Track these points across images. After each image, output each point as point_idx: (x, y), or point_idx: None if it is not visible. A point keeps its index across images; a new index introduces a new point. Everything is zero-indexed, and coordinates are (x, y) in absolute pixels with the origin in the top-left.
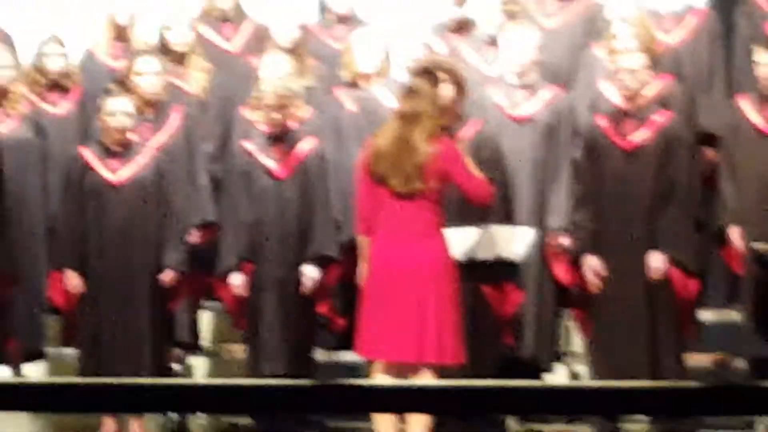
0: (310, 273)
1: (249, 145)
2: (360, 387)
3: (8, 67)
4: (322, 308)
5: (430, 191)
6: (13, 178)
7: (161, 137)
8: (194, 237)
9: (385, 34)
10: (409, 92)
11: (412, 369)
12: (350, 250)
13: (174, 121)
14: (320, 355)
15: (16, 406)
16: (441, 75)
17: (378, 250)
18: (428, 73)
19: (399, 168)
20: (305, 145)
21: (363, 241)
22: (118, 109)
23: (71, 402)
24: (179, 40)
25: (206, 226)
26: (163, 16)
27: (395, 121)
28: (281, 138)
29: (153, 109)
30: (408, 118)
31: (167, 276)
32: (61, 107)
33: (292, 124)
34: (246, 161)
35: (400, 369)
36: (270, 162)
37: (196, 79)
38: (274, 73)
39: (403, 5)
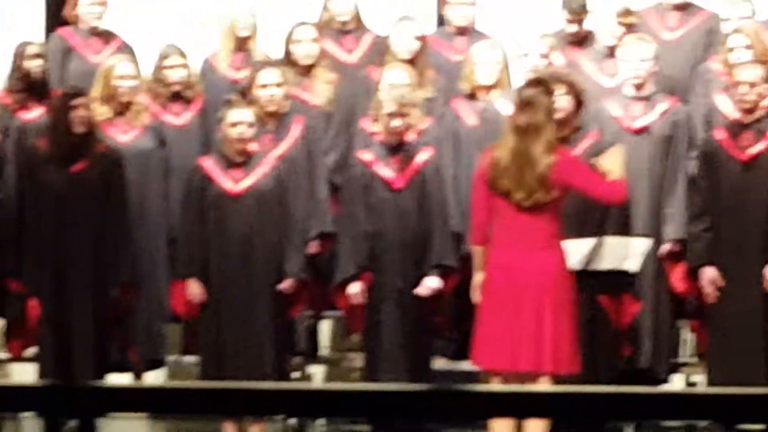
0: (430, 283)
1: (367, 156)
2: (477, 392)
3: (131, 78)
4: (439, 318)
5: (551, 202)
6: (136, 188)
7: (282, 148)
8: (313, 247)
9: (505, 46)
10: (524, 104)
11: (529, 379)
12: (465, 261)
13: (295, 131)
14: (438, 364)
15: (138, 409)
16: (559, 87)
17: (496, 260)
18: (542, 83)
19: (521, 181)
20: (423, 156)
21: (477, 251)
22: (239, 120)
23: (191, 405)
24: (305, 53)
25: (325, 237)
26: (288, 29)
27: (511, 134)
28: (400, 149)
29: (274, 120)
30: (524, 131)
31: (287, 285)
32: (182, 118)
33: (410, 136)
34: (364, 172)
35: (516, 379)
36: (388, 172)
37: (320, 91)
38: (394, 84)
39: (523, 18)
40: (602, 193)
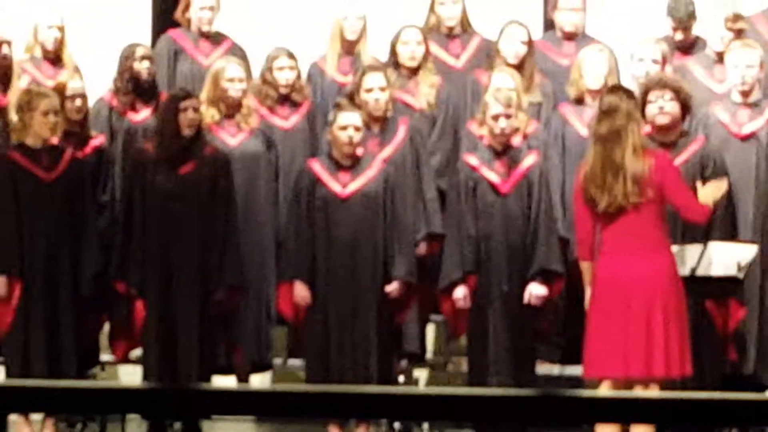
0: (536, 290)
1: (473, 160)
2: (583, 397)
3: (240, 81)
4: (545, 322)
5: (649, 205)
6: (243, 190)
7: (388, 151)
8: (421, 249)
9: (613, 51)
10: (604, 113)
11: (641, 383)
12: (571, 265)
13: (400, 134)
14: (542, 368)
15: (243, 412)
16: (666, 92)
17: (604, 268)
18: (620, 89)
19: (606, 188)
20: (529, 160)
21: (585, 267)
22: (348, 123)
23: (296, 409)
24: (410, 55)
25: (433, 238)
26: (394, 31)
27: (595, 144)
28: (506, 152)
29: (379, 123)
30: (606, 138)
31: (394, 288)
32: (290, 121)
33: (517, 140)
34: (471, 175)
35: (625, 384)
36: (494, 176)
37: (424, 94)
38: (501, 88)
39: (631, 23)
40: (688, 207)
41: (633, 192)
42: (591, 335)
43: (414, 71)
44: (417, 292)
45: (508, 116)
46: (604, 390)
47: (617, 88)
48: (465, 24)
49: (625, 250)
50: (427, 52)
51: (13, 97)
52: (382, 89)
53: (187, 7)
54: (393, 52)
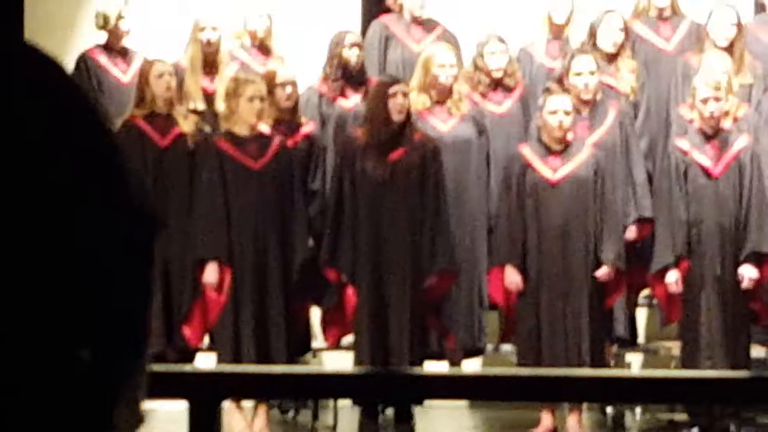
0: (748, 273)
1: (684, 143)
2: None
3: (452, 66)
4: (756, 305)
5: None
6: (454, 176)
7: (598, 134)
8: (631, 233)
9: None
10: None
11: None
12: None
13: (610, 118)
14: (757, 352)
15: (454, 396)
16: None
17: None
18: None
19: None
20: (741, 143)
21: None
22: (559, 108)
23: (507, 392)
24: (611, 41)
25: (642, 222)
26: (595, 16)
27: None
28: (716, 136)
29: (589, 106)
30: None
31: (604, 272)
32: (503, 106)
33: (727, 123)
34: (681, 159)
35: None
36: (705, 160)
37: (626, 80)
38: (711, 70)
39: None
40: None
41: None
42: None
43: (614, 56)
44: (627, 276)
45: (717, 99)
46: None
47: None
48: (675, 7)
49: None
50: (627, 38)
51: (220, 86)
52: (592, 73)
53: None
54: (592, 36)
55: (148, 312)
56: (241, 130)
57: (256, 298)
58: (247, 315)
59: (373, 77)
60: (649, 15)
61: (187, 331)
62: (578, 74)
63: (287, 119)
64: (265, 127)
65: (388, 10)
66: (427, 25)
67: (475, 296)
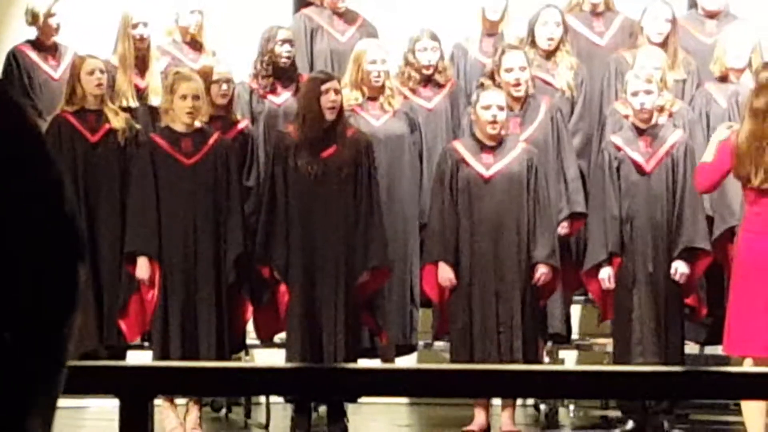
0: (680, 268)
1: (618, 139)
2: (728, 373)
3: (383, 62)
4: (690, 300)
5: None
6: (387, 172)
7: (530, 130)
8: (563, 229)
9: (757, 29)
10: (762, 87)
11: None
12: (715, 244)
13: (542, 113)
14: (690, 348)
15: (390, 392)
16: None
17: (745, 246)
18: None
19: (759, 164)
20: (674, 138)
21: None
22: (492, 102)
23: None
24: (549, 36)
25: (575, 218)
26: (533, 12)
27: (748, 118)
28: (650, 131)
29: (520, 102)
30: (761, 114)
31: (541, 273)
32: (433, 102)
33: (661, 118)
34: (615, 155)
35: None
36: (638, 156)
37: (563, 75)
38: (644, 65)
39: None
40: None
41: None
42: (732, 314)
43: (551, 52)
44: (561, 274)
45: (648, 92)
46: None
47: None
48: (609, 2)
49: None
50: (565, 33)
51: (150, 81)
52: (522, 68)
53: None
54: (531, 32)
55: (72, 315)
56: (178, 126)
57: (186, 295)
58: (176, 311)
59: (304, 73)
60: (583, 10)
61: (123, 326)
62: (509, 70)
63: (222, 115)
64: (199, 124)
65: (310, 4)
66: (347, 16)
67: (407, 293)
